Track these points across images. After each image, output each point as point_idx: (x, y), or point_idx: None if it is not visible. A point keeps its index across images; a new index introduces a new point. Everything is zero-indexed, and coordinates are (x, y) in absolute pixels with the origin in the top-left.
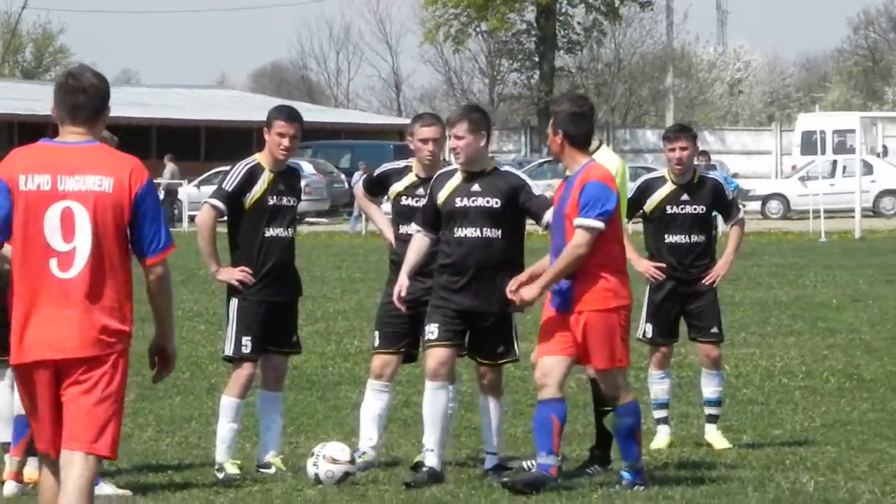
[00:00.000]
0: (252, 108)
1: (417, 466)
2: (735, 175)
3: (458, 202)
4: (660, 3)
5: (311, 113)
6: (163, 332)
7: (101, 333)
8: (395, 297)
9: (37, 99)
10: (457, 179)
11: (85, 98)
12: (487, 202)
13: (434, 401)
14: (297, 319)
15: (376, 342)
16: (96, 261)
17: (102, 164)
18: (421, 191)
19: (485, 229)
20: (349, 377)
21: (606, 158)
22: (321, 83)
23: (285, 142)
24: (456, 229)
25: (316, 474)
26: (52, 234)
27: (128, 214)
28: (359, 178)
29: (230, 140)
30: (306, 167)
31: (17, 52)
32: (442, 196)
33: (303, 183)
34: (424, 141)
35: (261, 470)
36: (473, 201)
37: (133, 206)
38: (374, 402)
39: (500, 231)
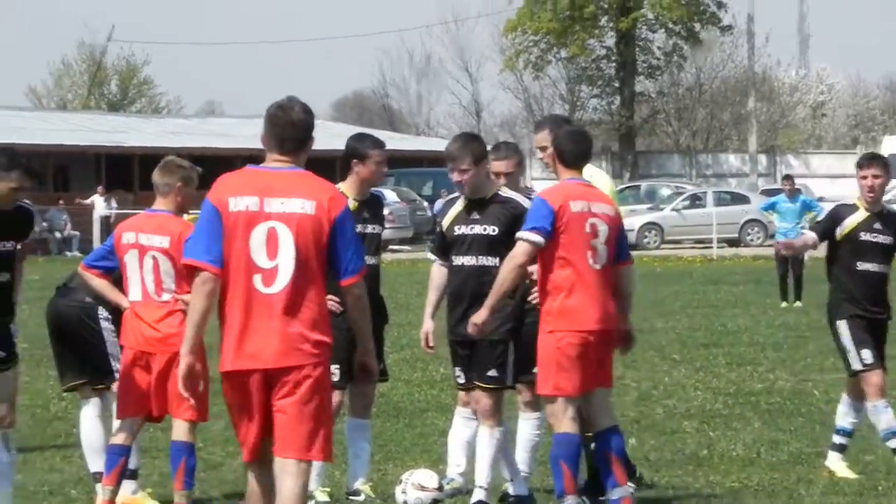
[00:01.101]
0: (334, 136)
1: (504, 499)
2: (820, 199)
3: (458, 230)
4: (741, 26)
5: (393, 141)
6: (363, 350)
7: (303, 344)
8: (423, 344)
9: (122, 131)
10: (458, 207)
11: (293, 131)
12: (485, 230)
13: (490, 440)
14: (383, 347)
15: None
16: (297, 278)
17: (305, 189)
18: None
19: (481, 257)
20: (436, 404)
21: (591, 174)
22: (402, 111)
23: (384, 167)
24: (455, 257)
25: (405, 501)
26: (258, 252)
27: (326, 236)
28: (441, 206)
29: (313, 169)
30: (389, 195)
31: (102, 84)
32: (445, 224)
33: (386, 210)
34: (497, 175)
35: (350, 497)
36: (472, 229)
37: (331, 230)
38: (462, 429)
39: (497, 259)
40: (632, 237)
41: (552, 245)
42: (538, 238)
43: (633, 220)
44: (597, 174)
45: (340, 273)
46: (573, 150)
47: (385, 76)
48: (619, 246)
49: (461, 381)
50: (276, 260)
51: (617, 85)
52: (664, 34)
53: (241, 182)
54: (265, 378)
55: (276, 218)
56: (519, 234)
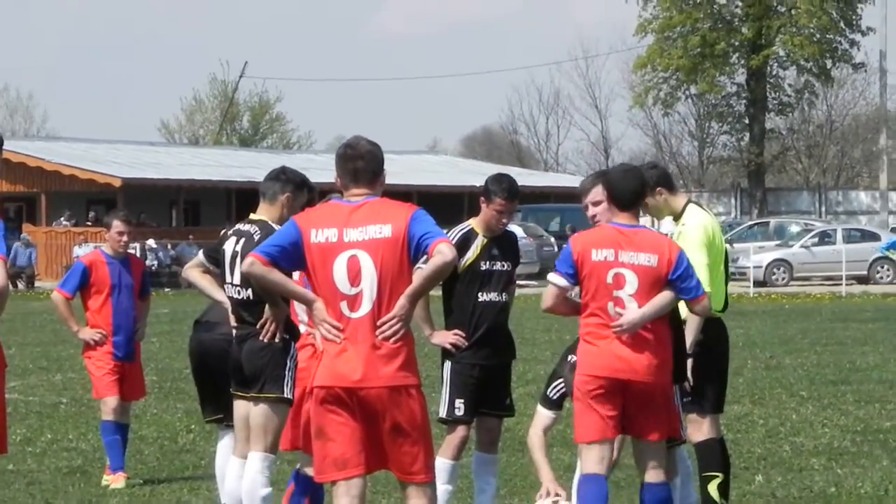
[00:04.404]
0: (463, 172)
1: None
2: None
3: None
4: (873, 64)
5: (521, 177)
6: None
7: (388, 367)
8: None
9: (253, 167)
10: None
11: (364, 163)
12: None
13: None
14: (510, 382)
15: None
16: (381, 301)
17: (381, 214)
18: None
19: None
20: (561, 439)
21: (689, 217)
22: (531, 147)
23: (504, 218)
24: None
25: None
26: (341, 279)
27: (406, 252)
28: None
29: (442, 204)
30: (516, 230)
31: (234, 120)
32: None
33: None
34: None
35: None
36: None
37: (407, 239)
38: None
39: None
40: (760, 274)
41: (582, 290)
42: (560, 280)
43: (762, 257)
44: (692, 216)
45: (424, 246)
46: (622, 190)
47: (514, 112)
48: (679, 289)
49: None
50: (359, 286)
51: (747, 122)
52: (795, 71)
53: (323, 215)
54: (353, 398)
55: (356, 246)
56: (548, 276)
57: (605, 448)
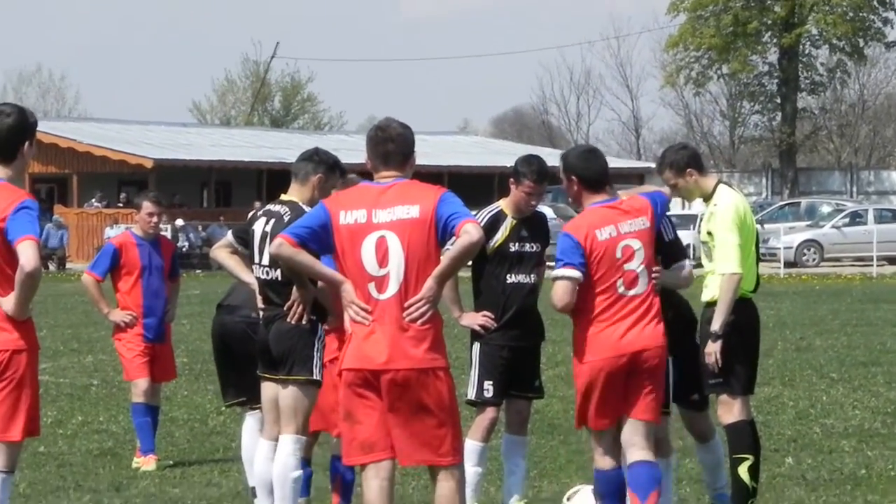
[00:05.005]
0: (493, 153)
1: None
2: None
3: None
4: None
5: (552, 157)
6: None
7: (415, 349)
8: None
9: (284, 147)
10: None
11: (394, 146)
12: None
13: None
14: (539, 364)
15: None
16: (408, 282)
17: (409, 195)
18: None
19: None
20: None
21: (720, 197)
22: (561, 128)
23: (533, 200)
24: None
25: None
26: (369, 260)
27: (434, 232)
28: None
29: (472, 185)
30: (546, 211)
31: (265, 100)
32: None
33: None
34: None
35: None
36: None
37: (436, 220)
38: None
39: None
40: (790, 254)
41: (588, 273)
42: (575, 273)
43: (793, 238)
44: (722, 197)
45: (451, 227)
46: (593, 171)
47: (545, 92)
48: (669, 253)
49: None
50: (387, 267)
51: (779, 101)
52: (828, 50)
53: (352, 197)
54: (378, 381)
55: (384, 227)
56: (554, 273)
57: (613, 431)
